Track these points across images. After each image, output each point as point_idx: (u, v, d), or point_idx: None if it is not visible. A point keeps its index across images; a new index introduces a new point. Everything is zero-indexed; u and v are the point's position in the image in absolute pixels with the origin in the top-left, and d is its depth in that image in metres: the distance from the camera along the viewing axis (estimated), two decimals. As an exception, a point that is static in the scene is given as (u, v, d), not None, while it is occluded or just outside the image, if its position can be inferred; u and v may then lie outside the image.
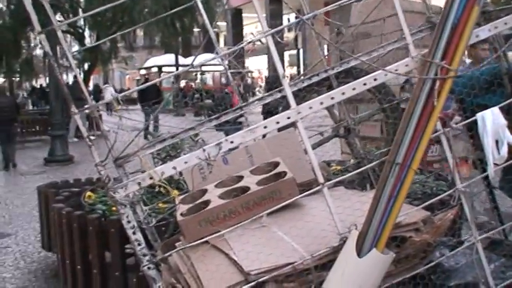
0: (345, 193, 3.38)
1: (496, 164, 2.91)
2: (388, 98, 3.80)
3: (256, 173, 3.40)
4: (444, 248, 3.41)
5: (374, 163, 3.18)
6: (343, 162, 6.28)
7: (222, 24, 38.52)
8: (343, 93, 2.87)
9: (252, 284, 2.57)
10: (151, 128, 16.58)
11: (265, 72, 36.02)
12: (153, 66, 36.75)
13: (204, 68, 33.11)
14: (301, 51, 33.70)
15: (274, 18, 29.78)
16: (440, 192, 4.35)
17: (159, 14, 16.09)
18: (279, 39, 2.91)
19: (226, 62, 4.18)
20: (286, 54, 36.31)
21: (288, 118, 2.77)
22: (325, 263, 2.69)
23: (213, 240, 2.85)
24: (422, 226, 2.91)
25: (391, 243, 2.78)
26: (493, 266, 3.35)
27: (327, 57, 4.23)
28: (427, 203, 3.01)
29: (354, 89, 2.88)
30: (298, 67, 35.32)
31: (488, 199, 4.03)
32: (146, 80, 25.93)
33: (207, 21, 3.81)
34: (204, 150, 2.72)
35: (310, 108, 2.81)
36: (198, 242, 2.86)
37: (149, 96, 17.83)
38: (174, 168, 2.78)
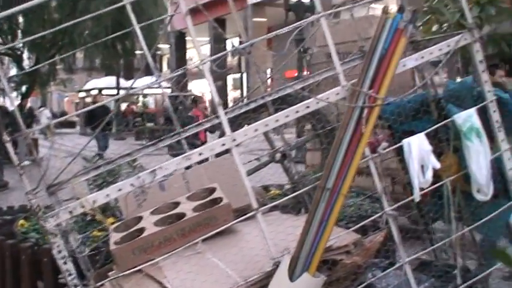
0: (279, 218, 3.45)
1: (421, 188, 3.04)
2: (322, 124, 3.91)
3: (192, 199, 3.42)
4: (376, 270, 3.51)
5: (306, 188, 3.25)
6: (282, 186, 6.36)
7: (165, 46, 38.41)
8: (276, 121, 2.95)
9: (186, 311, 2.58)
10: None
11: (209, 95, 36.04)
12: (93, 89, 36.10)
13: (146, 91, 32.83)
14: (244, 74, 33.96)
15: (217, 42, 29.91)
16: (374, 214, 4.47)
17: (100, 36, 15.88)
18: (215, 68, 2.97)
19: (168, 85, 4.20)
20: (230, 77, 36.52)
21: (223, 145, 2.82)
22: (259, 287, 2.73)
23: (147, 268, 2.84)
24: (353, 249, 3.00)
25: (323, 266, 2.85)
26: (422, 286, 3.48)
27: (270, 80, 4.32)
28: (356, 226, 3.11)
29: (287, 116, 2.96)
30: (242, 90, 35.55)
31: (419, 222, 4.17)
32: (94, 103, 25.44)
33: (145, 48, 3.83)
34: (138, 177, 2.72)
35: (245, 135, 2.87)
36: (132, 270, 2.84)
37: (98, 120, 17.27)
38: (108, 195, 2.76)
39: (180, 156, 2.85)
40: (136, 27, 3.47)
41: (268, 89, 4.10)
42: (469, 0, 5.24)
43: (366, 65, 2.88)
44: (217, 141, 2.86)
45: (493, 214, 3.24)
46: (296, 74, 15.42)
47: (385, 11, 2.84)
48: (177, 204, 3.39)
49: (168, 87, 7.78)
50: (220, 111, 2.89)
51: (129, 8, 3.22)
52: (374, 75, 2.84)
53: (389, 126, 3.68)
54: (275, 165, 4.40)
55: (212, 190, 3.48)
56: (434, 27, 7.13)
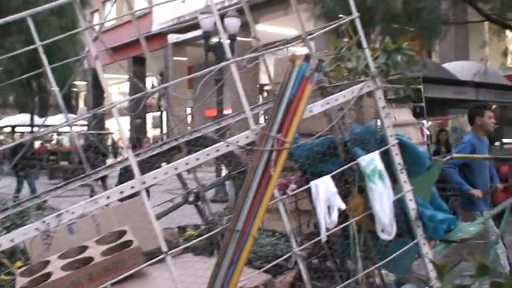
0: (190, 260, 3.44)
1: (327, 229, 3.13)
2: (233, 165, 3.97)
3: (101, 242, 3.36)
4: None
5: (218, 229, 3.28)
6: (198, 226, 6.34)
7: (82, 83, 37.73)
8: (187, 164, 2.97)
9: None
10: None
11: (127, 134, 35.56)
12: (5, 126, 34.78)
13: (60, 129, 31.92)
14: (164, 113, 33.84)
15: (137, 79, 29.73)
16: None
17: (14, 73, 15.41)
18: (127, 112, 2.97)
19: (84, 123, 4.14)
20: (150, 115, 36.25)
21: (132, 188, 2.81)
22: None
23: (53, 315, 2.75)
24: (263, 290, 3.04)
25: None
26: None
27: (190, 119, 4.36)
28: (267, 267, 3.15)
29: (197, 159, 2.99)
30: (162, 129, 35.34)
31: (330, 261, 4.28)
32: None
33: (56, 88, 3.77)
34: (43, 221, 2.65)
35: (155, 178, 2.87)
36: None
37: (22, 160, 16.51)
38: (12, 240, 2.67)
39: (87, 200, 2.81)
40: (48, 69, 3.43)
41: (189, 128, 4.14)
42: (376, 48, 5.52)
43: (275, 110, 2.98)
44: (126, 183, 2.84)
45: (397, 253, 3.38)
46: (216, 114, 15.58)
47: (292, 59, 2.97)
48: (85, 248, 3.32)
49: (85, 125, 7.65)
50: (130, 154, 2.88)
51: (41, 50, 3.18)
52: (282, 119, 2.94)
53: (300, 168, 3.80)
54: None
55: (122, 233, 3.43)
56: (344, 73, 7.43)
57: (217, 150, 3.00)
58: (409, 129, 5.66)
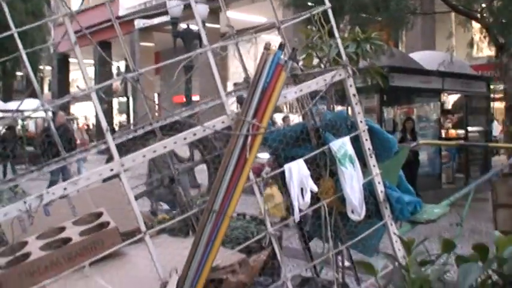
0: (166, 240, 3.54)
1: (300, 210, 3.26)
2: (208, 150, 4.06)
3: (78, 223, 3.42)
4: (261, 288, 3.69)
5: (193, 211, 3.38)
6: (170, 210, 6.43)
7: (47, 68, 37.09)
8: (164, 147, 3.05)
9: (74, 334, 2.59)
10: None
11: (93, 119, 35.16)
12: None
13: (27, 114, 31.37)
14: (130, 99, 33.54)
15: (102, 64, 29.33)
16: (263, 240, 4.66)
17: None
18: (102, 95, 3.02)
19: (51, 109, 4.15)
20: (115, 101, 35.88)
21: (111, 170, 2.88)
22: (148, 309, 2.80)
23: (34, 292, 2.81)
24: (238, 268, 3.15)
25: (210, 285, 2.97)
26: (304, 302, 3.70)
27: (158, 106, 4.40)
28: (242, 246, 3.26)
29: (175, 142, 3.08)
30: (128, 115, 35.03)
31: (300, 241, 4.42)
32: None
33: (31, 74, 3.79)
34: (25, 202, 2.71)
35: (133, 160, 2.94)
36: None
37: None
38: (-7, 220, 2.72)
39: (67, 181, 2.87)
40: (23, 53, 3.44)
41: (156, 115, 4.19)
42: (347, 37, 5.66)
43: (250, 96, 3.07)
44: (105, 166, 2.91)
45: (366, 232, 3.54)
46: (184, 100, 15.57)
47: (266, 47, 3.06)
48: (62, 229, 3.38)
49: (51, 111, 7.58)
50: (108, 136, 2.95)
51: (16, 36, 3.20)
52: (257, 105, 3.04)
53: (273, 153, 3.92)
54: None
55: (99, 215, 3.50)
56: (315, 62, 7.57)
57: (194, 134, 3.09)
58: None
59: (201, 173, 7.76)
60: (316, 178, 3.60)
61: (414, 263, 1.81)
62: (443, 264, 1.89)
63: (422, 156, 12.31)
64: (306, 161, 3.43)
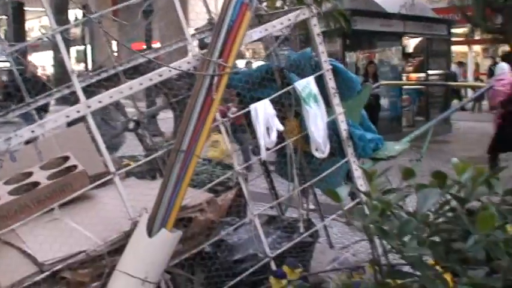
0: (135, 182, 3.57)
1: (268, 149, 3.33)
2: (174, 93, 4.06)
3: (46, 168, 3.42)
4: (229, 227, 3.78)
5: (161, 152, 3.41)
6: (134, 156, 6.44)
7: (3, 17, 35.78)
8: (130, 88, 3.05)
9: (47, 273, 2.64)
10: None
11: (50, 69, 34.31)
12: None
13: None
14: (88, 47, 32.74)
15: (59, 13, 28.38)
16: (226, 180, 4.75)
17: None
18: (66, 36, 2.98)
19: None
20: (73, 50, 35.00)
21: (78, 112, 2.87)
22: (118, 247, 2.86)
23: (5, 236, 2.84)
24: (206, 207, 3.22)
25: (179, 223, 3.05)
26: (270, 238, 3.81)
27: (116, 53, 4.36)
28: (209, 185, 3.33)
29: (141, 84, 3.08)
30: (86, 63, 34.27)
31: (266, 181, 4.53)
32: None
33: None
34: (-8, 145, 2.70)
35: (100, 102, 2.94)
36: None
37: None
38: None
39: (34, 124, 2.86)
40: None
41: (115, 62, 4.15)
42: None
43: (215, 37, 3.07)
44: (72, 108, 2.90)
45: (330, 169, 3.64)
46: (144, 47, 15.31)
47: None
48: (30, 174, 3.38)
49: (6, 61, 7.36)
50: (74, 78, 2.93)
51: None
52: (223, 45, 3.04)
53: (238, 94, 3.95)
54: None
55: (66, 158, 3.50)
56: (278, 3, 7.55)
57: (160, 75, 3.09)
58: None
59: (165, 122, 7.72)
60: (282, 118, 3.66)
61: (376, 190, 1.90)
62: (403, 190, 1.98)
63: (384, 100, 12.53)
64: (271, 101, 3.48)
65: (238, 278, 3.29)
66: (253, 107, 3.32)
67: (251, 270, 3.34)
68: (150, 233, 2.81)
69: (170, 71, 3.09)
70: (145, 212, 2.87)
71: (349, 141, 3.66)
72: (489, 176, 1.93)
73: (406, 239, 1.80)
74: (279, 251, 3.46)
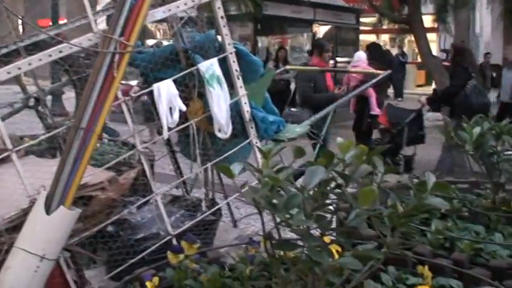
0: (34, 160, 3.51)
1: (170, 128, 3.37)
2: (75, 69, 4.01)
3: None
4: (133, 207, 3.81)
5: (60, 129, 3.37)
6: (35, 135, 6.27)
7: None
8: (29, 64, 2.99)
9: None
10: None
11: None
12: None
13: None
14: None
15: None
16: (132, 160, 4.74)
17: None
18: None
19: None
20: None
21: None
22: (17, 225, 2.82)
23: None
24: (107, 185, 3.23)
25: (79, 201, 3.04)
26: (173, 217, 3.87)
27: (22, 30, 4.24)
28: (110, 164, 3.33)
29: (40, 59, 3.02)
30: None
31: (171, 162, 4.57)
32: None
33: None
34: None
35: (-1, 75, 2.87)
36: None
37: None
38: None
39: None
40: None
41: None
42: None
43: (117, 14, 3.05)
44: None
45: (232, 150, 3.73)
46: (50, 24, 14.78)
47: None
48: None
49: None
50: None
51: None
52: (124, 23, 3.04)
53: (143, 74, 3.95)
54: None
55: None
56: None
57: (60, 52, 3.05)
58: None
59: (70, 102, 7.57)
60: (186, 99, 3.71)
61: (267, 166, 2.00)
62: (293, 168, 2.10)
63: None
64: (175, 82, 3.51)
65: (139, 256, 3.33)
66: (156, 86, 3.35)
67: (152, 248, 3.39)
68: (48, 210, 2.79)
69: (71, 47, 3.05)
70: (43, 190, 2.84)
71: (251, 123, 3.77)
72: (370, 154, 2.08)
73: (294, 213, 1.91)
74: (181, 229, 3.53)
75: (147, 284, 2.17)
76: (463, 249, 2.76)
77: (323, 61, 6.69)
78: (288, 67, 6.07)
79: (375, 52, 9.15)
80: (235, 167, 2.02)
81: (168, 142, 4.46)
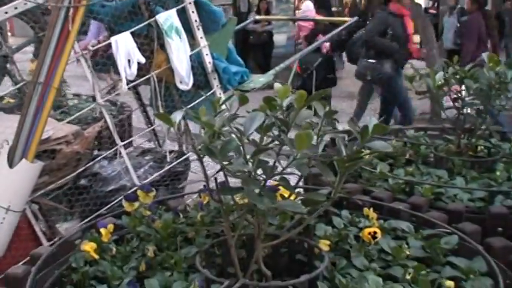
0: (3, 116, 3.58)
1: (131, 81, 3.43)
2: (40, 25, 4.03)
3: None
4: (103, 160, 3.89)
5: (22, 83, 3.42)
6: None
7: None
8: (-15, 20, 3.02)
9: None
10: None
11: None
12: None
13: None
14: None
15: None
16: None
17: None
18: None
19: None
20: None
21: None
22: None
23: None
24: (72, 139, 3.31)
25: (44, 155, 3.12)
26: (142, 169, 3.96)
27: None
28: (72, 117, 3.40)
29: (-4, 16, 3.05)
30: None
31: (142, 115, 4.63)
32: None
33: None
34: None
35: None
36: None
37: None
38: None
39: None
40: None
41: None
42: None
43: (72, -32, 3.07)
44: None
45: (195, 102, 3.79)
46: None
47: None
48: None
49: None
50: None
51: None
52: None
53: (107, 28, 3.97)
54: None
55: None
56: None
57: (16, 8, 3.08)
58: None
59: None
60: (152, 52, 3.74)
61: (206, 114, 2.06)
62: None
63: (281, 38, 12.65)
64: (137, 35, 3.54)
65: (107, 207, 3.43)
66: (113, 39, 3.38)
67: (120, 198, 3.48)
68: (11, 164, 2.88)
69: (25, 3, 3.07)
70: (6, 144, 2.92)
71: (214, 74, 3.82)
72: (310, 99, 2.14)
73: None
74: (147, 180, 3.63)
75: (102, 230, 2.26)
76: (423, 193, 2.77)
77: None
78: (257, 17, 6.05)
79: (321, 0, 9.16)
80: (176, 115, 2.08)
81: (137, 96, 4.52)
